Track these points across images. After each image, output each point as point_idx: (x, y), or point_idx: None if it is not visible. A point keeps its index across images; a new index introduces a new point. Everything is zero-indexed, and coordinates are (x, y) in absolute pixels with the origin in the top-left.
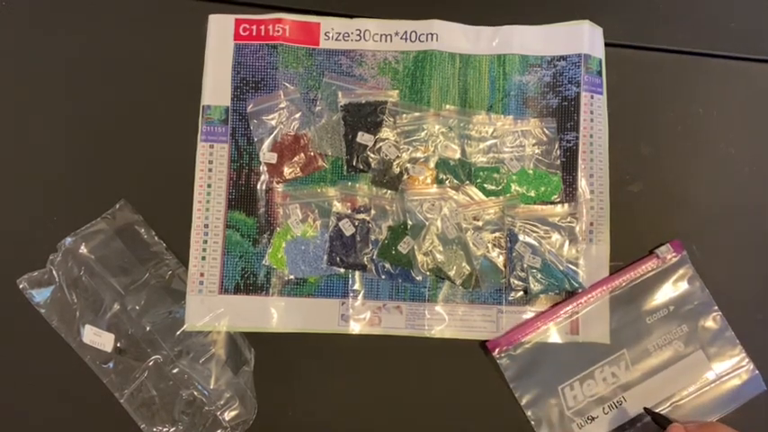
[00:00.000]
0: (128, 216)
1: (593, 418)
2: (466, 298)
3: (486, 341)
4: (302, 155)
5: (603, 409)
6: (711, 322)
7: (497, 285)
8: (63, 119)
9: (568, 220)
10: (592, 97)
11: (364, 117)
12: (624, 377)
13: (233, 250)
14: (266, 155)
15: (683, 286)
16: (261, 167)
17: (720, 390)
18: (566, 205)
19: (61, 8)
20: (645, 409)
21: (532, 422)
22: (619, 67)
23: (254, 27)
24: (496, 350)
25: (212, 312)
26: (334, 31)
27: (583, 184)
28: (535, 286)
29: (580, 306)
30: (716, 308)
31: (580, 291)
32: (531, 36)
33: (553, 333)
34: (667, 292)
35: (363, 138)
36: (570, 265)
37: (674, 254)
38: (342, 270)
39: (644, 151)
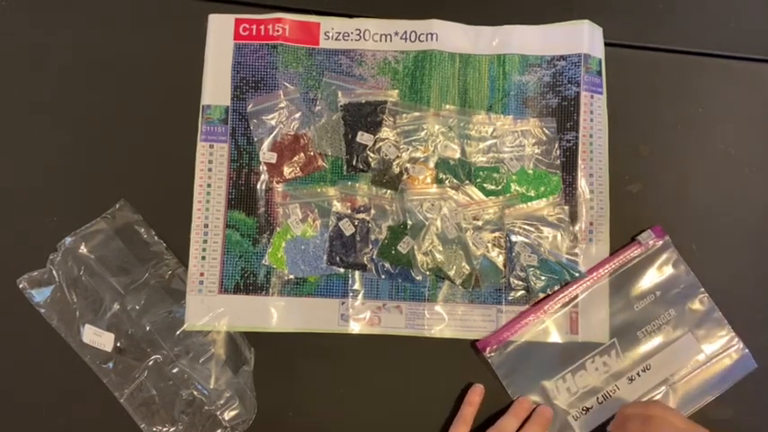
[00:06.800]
0: (128, 216)
1: (587, 409)
2: (465, 298)
3: (476, 341)
4: (302, 154)
5: (597, 398)
6: (698, 304)
7: (497, 285)
8: (63, 118)
9: (567, 218)
10: (591, 97)
11: (364, 117)
12: (616, 366)
13: (233, 250)
14: (266, 155)
15: (669, 271)
16: (261, 167)
17: (712, 371)
18: (565, 205)
19: (61, 8)
20: None
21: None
22: (619, 67)
23: (254, 27)
24: (487, 349)
25: (212, 312)
26: (333, 30)
27: (582, 183)
28: (536, 284)
29: (562, 301)
30: (702, 290)
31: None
32: (530, 36)
33: (553, 333)
34: (653, 277)
35: (363, 137)
36: (569, 257)
37: (655, 239)
38: (341, 270)
39: (643, 151)
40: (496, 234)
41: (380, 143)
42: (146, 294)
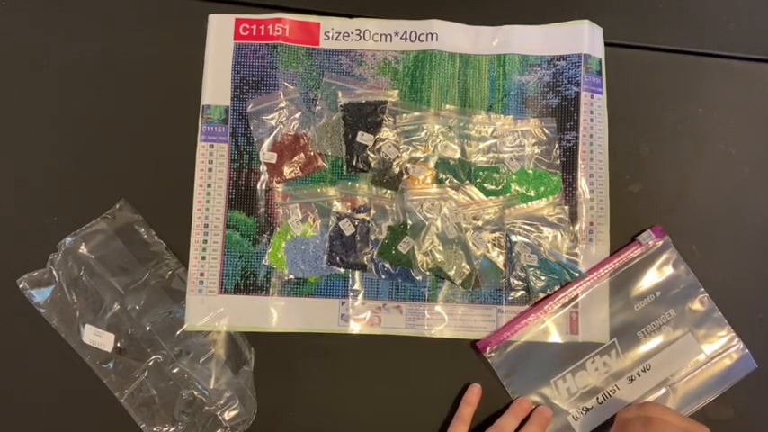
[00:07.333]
0: (128, 216)
1: (587, 409)
2: (466, 298)
3: (476, 341)
4: (302, 155)
5: (597, 398)
6: (698, 304)
7: (497, 285)
8: (63, 118)
9: (567, 218)
10: (592, 97)
11: (364, 117)
12: (616, 366)
13: (233, 250)
14: (266, 155)
15: (669, 271)
16: (261, 167)
17: (712, 371)
18: (565, 205)
19: (61, 8)
20: None
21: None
22: (619, 67)
23: (254, 27)
24: (487, 349)
25: (212, 312)
26: (333, 30)
27: (582, 183)
28: (536, 284)
29: (563, 301)
30: (702, 290)
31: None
32: (530, 36)
33: (553, 333)
34: (653, 277)
35: (363, 137)
36: (569, 257)
37: (655, 239)
38: (342, 270)
39: (643, 151)
40: (496, 234)
41: (380, 143)
42: (146, 294)
